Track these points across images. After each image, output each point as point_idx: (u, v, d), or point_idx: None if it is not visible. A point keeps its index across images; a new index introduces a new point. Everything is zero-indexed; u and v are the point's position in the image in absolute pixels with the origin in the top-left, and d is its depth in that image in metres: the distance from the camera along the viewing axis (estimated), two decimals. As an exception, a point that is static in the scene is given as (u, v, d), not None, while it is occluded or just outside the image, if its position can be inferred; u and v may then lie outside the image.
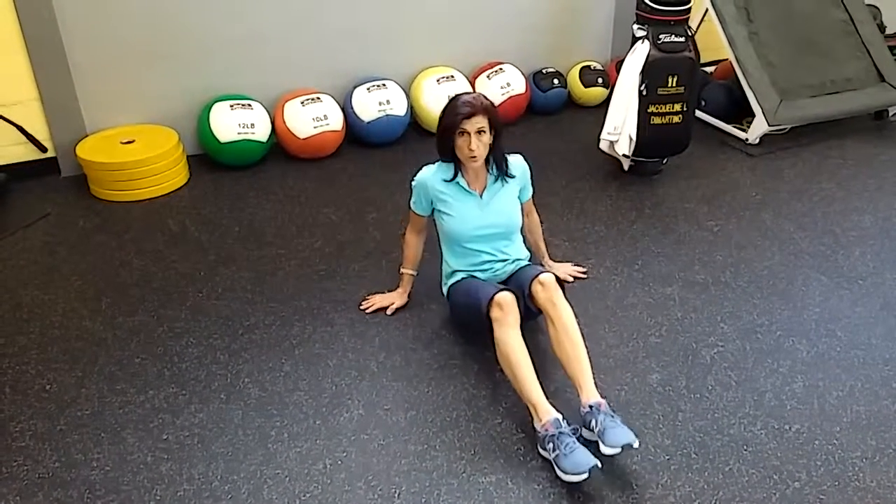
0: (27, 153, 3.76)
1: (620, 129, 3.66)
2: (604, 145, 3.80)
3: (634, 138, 3.63)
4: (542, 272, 2.45)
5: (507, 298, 2.35)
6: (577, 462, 2.03)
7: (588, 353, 2.31)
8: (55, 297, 2.91)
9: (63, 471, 2.14)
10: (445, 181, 2.58)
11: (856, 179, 3.91)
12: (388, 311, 2.80)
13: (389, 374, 2.52)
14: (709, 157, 4.14)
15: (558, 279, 2.45)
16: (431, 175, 2.61)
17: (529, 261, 2.72)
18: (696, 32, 3.69)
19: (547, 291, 2.39)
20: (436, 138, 2.57)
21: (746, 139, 4.28)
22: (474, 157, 2.47)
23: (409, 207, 2.70)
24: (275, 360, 2.58)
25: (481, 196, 2.59)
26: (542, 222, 2.92)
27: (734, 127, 4.41)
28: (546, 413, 2.15)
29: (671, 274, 3.08)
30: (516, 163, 2.67)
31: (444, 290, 2.73)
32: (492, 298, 2.35)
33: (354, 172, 3.94)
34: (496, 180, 2.61)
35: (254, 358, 2.59)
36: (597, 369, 2.39)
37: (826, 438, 2.27)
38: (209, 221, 3.46)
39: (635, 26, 3.59)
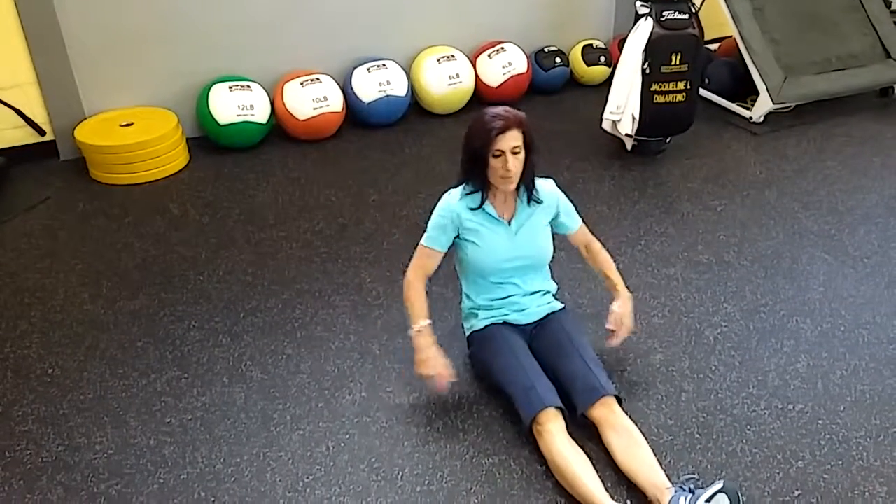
0: (26, 137, 3.74)
1: (623, 108, 3.62)
2: (606, 125, 3.77)
3: (637, 117, 3.60)
4: (601, 395, 2.12)
5: (552, 417, 2.08)
6: None
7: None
8: (56, 282, 2.90)
9: (66, 454, 2.14)
10: (472, 209, 2.26)
11: (861, 157, 3.88)
12: (445, 386, 2.24)
13: (392, 356, 2.51)
14: (712, 136, 4.11)
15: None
16: (459, 202, 2.26)
17: (556, 295, 2.46)
18: (699, 9, 3.64)
19: (608, 420, 2.11)
20: (462, 159, 2.23)
21: (750, 117, 4.25)
22: (510, 177, 2.16)
23: (423, 245, 2.30)
24: (277, 342, 2.57)
25: (510, 224, 2.29)
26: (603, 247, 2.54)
27: (738, 105, 4.37)
28: None
29: (674, 254, 3.06)
30: (544, 187, 2.34)
31: (466, 331, 2.43)
32: (536, 415, 2.08)
33: (355, 154, 3.92)
34: (525, 205, 2.31)
35: (256, 341, 2.58)
36: (599, 350, 2.38)
37: (830, 418, 2.26)
38: (209, 204, 3.44)
39: (638, 3, 3.54)
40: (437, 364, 2.19)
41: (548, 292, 2.44)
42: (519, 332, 2.34)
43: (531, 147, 2.19)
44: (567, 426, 2.09)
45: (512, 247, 2.29)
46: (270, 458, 2.13)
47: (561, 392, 2.17)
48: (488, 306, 2.37)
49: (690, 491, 1.88)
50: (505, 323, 2.34)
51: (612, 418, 2.11)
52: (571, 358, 2.21)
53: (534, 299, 2.39)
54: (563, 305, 2.44)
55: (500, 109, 2.16)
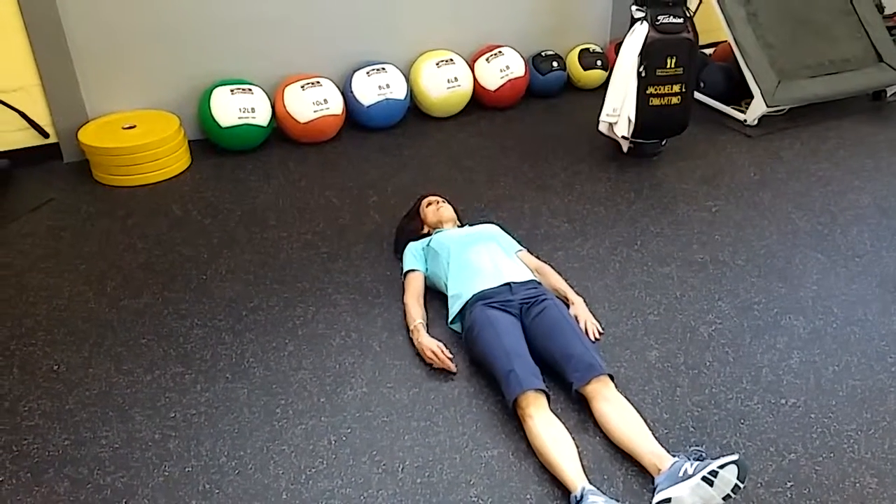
0: (29, 139, 3.77)
1: (619, 110, 3.67)
2: (603, 127, 3.81)
3: (633, 120, 3.65)
4: (598, 373, 2.23)
5: (532, 400, 2.17)
6: None
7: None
8: (61, 281, 2.94)
9: (73, 448, 2.18)
10: (424, 237, 2.93)
11: (853, 159, 3.93)
12: (447, 362, 2.45)
13: (392, 353, 2.56)
14: (707, 139, 4.16)
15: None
16: (415, 243, 2.90)
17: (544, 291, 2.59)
18: (694, 13, 3.70)
19: (602, 392, 2.21)
20: (402, 225, 3.05)
21: (745, 120, 4.30)
22: (443, 207, 2.96)
23: (405, 273, 2.78)
24: (279, 340, 2.62)
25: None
26: (552, 266, 2.84)
27: (733, 108, 4.43)
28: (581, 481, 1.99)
29: (670, 253, 3.11)
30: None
31: (451, 315, 2.60)
32: (516, 398, 2.17)
33: (355, 156, 3.96)
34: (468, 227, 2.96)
35: (258, 338, 2.62)
36: (597, 346, 2.42)
37: (822, 412, 2.30)
38: (211, 205, 3.49)
39: (634, 7, 3.59)
40: (430, 345, 2.47)
41: (532, 279, 2.61)
42: (508, 311, 2.45)
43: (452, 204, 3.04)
44: (549, 402, 2.20)
45: (464, 232, 2.83)
46: (273, 451, 2.17)
47: (552, 368, 2.30)
48: (467, 283, 2.55)
49: (698, 459, 1.92)
50: (491, 305, 2.45)
51: (605, 391, 2.21)
52: (567, 335, 2.36)
53: (507, 264, 2.62)
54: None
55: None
